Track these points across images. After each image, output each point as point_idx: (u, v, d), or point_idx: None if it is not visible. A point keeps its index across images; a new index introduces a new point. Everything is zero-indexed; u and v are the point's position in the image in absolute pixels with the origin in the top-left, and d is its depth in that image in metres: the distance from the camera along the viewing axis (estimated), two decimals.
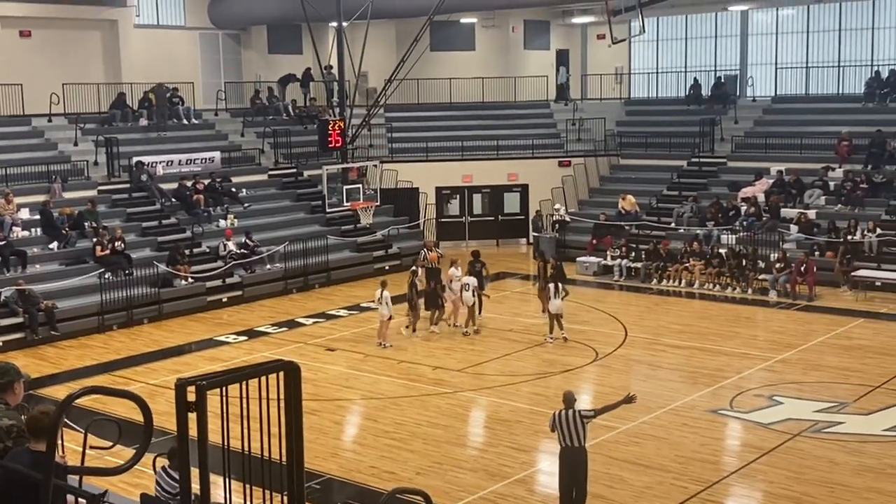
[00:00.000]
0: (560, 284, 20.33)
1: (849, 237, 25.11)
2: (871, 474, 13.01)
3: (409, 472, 13.42)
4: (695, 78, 34.91)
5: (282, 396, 4.44)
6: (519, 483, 13.03)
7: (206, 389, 4.04)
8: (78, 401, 4.45)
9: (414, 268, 22.51)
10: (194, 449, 4.23)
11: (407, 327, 21.30)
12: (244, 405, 4.41)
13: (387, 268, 28.02)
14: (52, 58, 29.33)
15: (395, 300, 20.82)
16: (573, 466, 11.34)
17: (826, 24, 33.98)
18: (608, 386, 17.40)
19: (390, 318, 20.17)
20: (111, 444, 5.79)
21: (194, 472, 4.32)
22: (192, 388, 4.04)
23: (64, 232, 23.73)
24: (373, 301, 20.78)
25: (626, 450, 14.07)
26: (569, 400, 11.41)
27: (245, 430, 4.68)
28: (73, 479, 5.36)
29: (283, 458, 4.59)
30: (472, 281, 21.14)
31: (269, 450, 4.70)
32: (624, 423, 15.18)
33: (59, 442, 6.56)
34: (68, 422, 7.68)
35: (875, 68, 31.60)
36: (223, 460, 4.43)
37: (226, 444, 4.33)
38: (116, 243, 23.51)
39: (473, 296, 21.04)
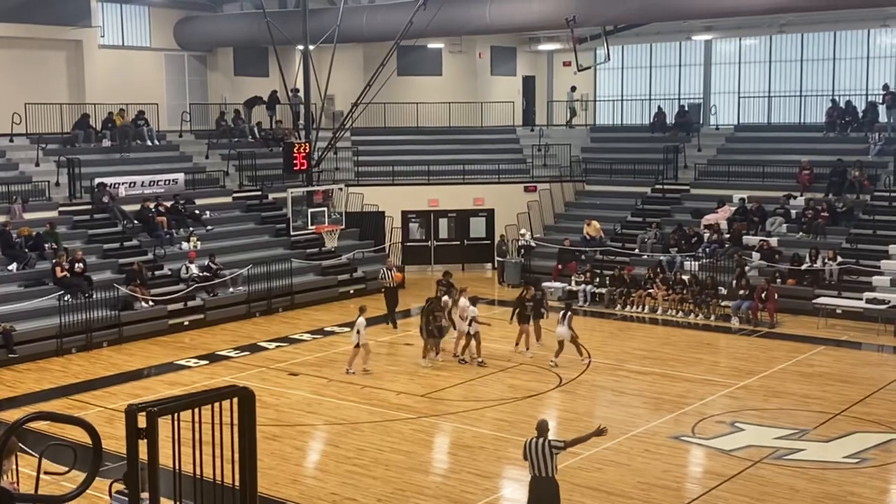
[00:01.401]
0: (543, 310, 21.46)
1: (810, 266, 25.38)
2: (831, 501, 13.05)
3: (370, 499, 13.28)
4: (659, 106, 35.25)
5: (236, 422, 4.36)
6: None
7: (157, 416, 3.95)
8: (33, 425, 4.34)
9: (437, 296, 21.77)
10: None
11: (434, 356, 20.70)
12: (196, 431, 4.33)
13: (351, 291, 27.92)
14: (15, 77, 29.04)
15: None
16: (540, 496, 11.14)
17: (788, 55, 34.50)
18: (572, 412, 17.39)
19: (357, 346, 19.65)
20: (66, 469, 5.66)
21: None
22: (142, 415, 3.95)
23: (25, 252, 23.41)
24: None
25: (589, 476, 14.03)
26: (541, 428, 11.25)
27: (198, 457, 4.59)
28: None
29: (237, 484, 4.50)
30: (474, 311, 20.46)
31: (223, 475, 4.62)
32: (586, 449, 15.12)
33: (13, 468, 6.43)
34: (24, 447, 7.53)
35: (832, 97, 32.06)
36: (174, 486, 4.34)
37: (177, 469, 4.25)
38: (76, 265, 23.19)
39: (470, 325, 20.41)
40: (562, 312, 20.44)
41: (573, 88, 36.66)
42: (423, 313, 20.76)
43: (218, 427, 4.47)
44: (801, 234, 27.34)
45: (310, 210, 27.71)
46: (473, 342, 20.48)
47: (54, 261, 23.21)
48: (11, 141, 27.79)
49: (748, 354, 21.42)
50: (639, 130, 35.38)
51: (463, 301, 20.71)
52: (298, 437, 16.21)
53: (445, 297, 21.53)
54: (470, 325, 20.34)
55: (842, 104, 31.47)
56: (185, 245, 26.64)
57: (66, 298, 22.19)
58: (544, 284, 27.87)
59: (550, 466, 11.03)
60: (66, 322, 21.88)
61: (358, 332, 19.53)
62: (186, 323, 24.27)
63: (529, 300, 21.19)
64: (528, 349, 21.07)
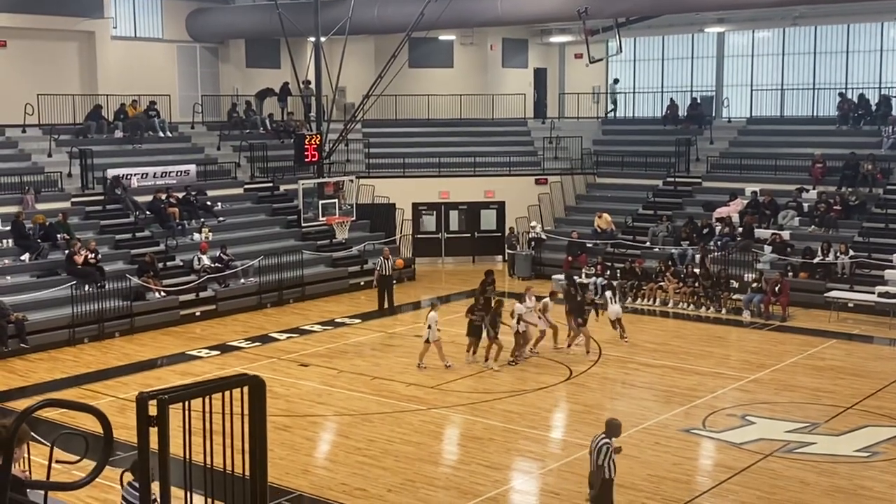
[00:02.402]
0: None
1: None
2: (841, 495, 13.03)
3: (380, 489, 13.31)
4: (671, 98, 35.13)
5: (246, 411, 4.37)
6: (491, 501, 12.95)
7: (167, 404, 3.96)
8: (45, 414, 4.37)
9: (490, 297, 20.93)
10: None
11: (510, 360, 19.73)
12: (207, 420, 4.35)
13: (362, 283, 27.94)
14: (27, 68, 29.12)
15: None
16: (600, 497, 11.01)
17: (801, 47, 34.33)
18: (582, 404, 17.38)
19: (428, 342, 19.14)
20: (78, 458, 5.69)
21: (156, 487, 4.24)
22: (153, 402, 3.96)
23: (37, 242, 23.52)
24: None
25: None
26: (611, 427, 11.17)
27: (209, 445, 4.61)
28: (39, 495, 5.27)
29: (248, 473, 4.52)
30: (521, 309, 19.64)
31: (233, 465, 4.63)
32: None
33: (25, 456, 6.46)
34: (35, 435, 7.57)
35: (840, 90, 31.89)
36: (184, 474, 4.36)
37: (187, 457, 4.27)
38: (90, 255, 23.28)
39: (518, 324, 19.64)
40: (608, 293, 21.51)
41: (616, 81, 36.49)
42: (485, 312, 19.51)
43: (228, 416, 4.48)
44: (813, 227, 27.24)
45: (321, 202, 27.69)
46: (522, 341, 19.91)
47: (68, 251, 23.30)
48: (24, 132, 27.88)
49: (759, 348, 21.36)
50: (651, 123, 35.28)
51: (529, 303, 20.05)
52: (309, 427, 16.25)
53: (521, 304, 20.01)
54: (518, 323, 19.69)
55: (854, 98, 31.32)
56: (196, 236, 26.71)
57: (84, 288, 22.25)
58: (554, 277, 27.92)
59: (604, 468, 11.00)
60: (79, 312, 21.97)
61: (429, 327, 19.10)
62: (198, 314, 24.34)
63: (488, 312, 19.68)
64: (568, 346, 20.79)
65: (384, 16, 30.86)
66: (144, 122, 29.94)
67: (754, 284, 24.46)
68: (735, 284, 25.08)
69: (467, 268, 31.97)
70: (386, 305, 25.47)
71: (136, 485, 8.89)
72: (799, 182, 29.07)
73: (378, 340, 22.05)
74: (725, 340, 22.61)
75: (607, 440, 11.02)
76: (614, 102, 36.69)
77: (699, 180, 31.29)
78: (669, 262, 26.39)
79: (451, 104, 34.73)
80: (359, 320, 24.27)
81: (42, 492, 5.35)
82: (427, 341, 19.25)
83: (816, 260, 25.42)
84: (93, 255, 23.33)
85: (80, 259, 23.03)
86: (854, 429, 15.75)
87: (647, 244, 28.64)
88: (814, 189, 28.60)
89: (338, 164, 31.91)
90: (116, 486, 8.95)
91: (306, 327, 23.50)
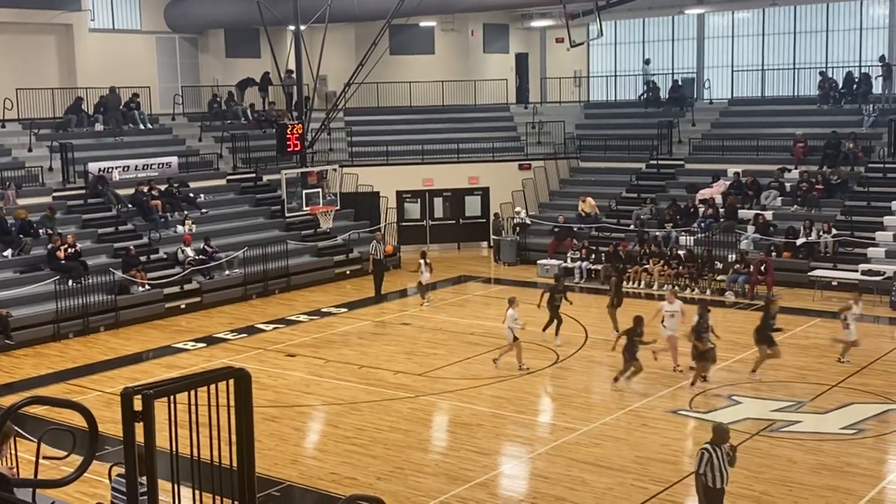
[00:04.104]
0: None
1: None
2: (828, 472, 13.14)
3: (370, 477, 13.34)
4: (652, 81, 35.13)
5: (232, 404, 4.37)
6: (480, 486, 12.99)
7: (152, 399, 3.95)
8: (33, 410, 4.35)
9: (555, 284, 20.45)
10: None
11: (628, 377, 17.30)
12: (193, 413, 4.34)
13: (347, 272, 27.92)
14: (5, 62, 28.88)
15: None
16: None
17: (781, 27, 34.38)
18: (569, 388, 17.44)
19: (516, 340, 18.19)
20: (65, 454, 5.67)
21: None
22: (138, 398, 3.95)
23: (19, 237, 23.37)
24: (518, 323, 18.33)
25: (587, 451, 14.10)
26: (723, 434, 10.59)
27: (195, 438, 4.60)
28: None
29: (235, 465, 4.52)
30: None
31: (220, 457, 4.63)
32: (584, 424, 15.23)
33: (10, 453, 6.44)
34: (22, 432, 7.54)
35: (821, 70, 31.96)
36: (171, 468, 4.35)
37: (174, 452, 4.26)
38: (69, 249, 23.13)
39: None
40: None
41: (647, 62, 35.96)
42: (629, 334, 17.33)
43: (215, 409, 4.48)
44: (795, 206, 27.35)
45: (304, 191, 27.62)
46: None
47: (50, 245, 23.17)
48: (3, 126, 27.66)
49: (744, 328, 21.35)
50: (632, 106, 35.29)
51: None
52: (297, 417, 16.26)
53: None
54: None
55: (836, 77, 31.40)
56: (180, 228, 26.61)
57: (67, 283, 22.14)
58: (539, 262, 27.99)
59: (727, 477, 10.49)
60: (63, 307, 21.88)
61: (509, 326, 18.12)
62: (183, 306, 24.26)
63: None
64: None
65: (364, 3, 30.75)
66: (125, 114, 29.68)
67: (736, 266, 24.55)
68: (719, 265, 25.17)
69: (453, 254, 32.00)
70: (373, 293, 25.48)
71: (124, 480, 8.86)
72: (781, 162, 29.17)
73: (366, 329, 22.00)
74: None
75: (706, 446, 10.48)
76: (647, 84, 35.16)
77: (682, 162, 31.37)
78: (653, 245, 26.46)
79: (433, 91, 34.66)
80: (345, 309, 24.26)
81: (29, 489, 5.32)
82: (515, 339, 18.17)
83: (800, 241, 25.52)
84: (71, 248, 23.18)
85: (61, 254, 22.91)
86: (839, 406, 15.87)
87: (631, 227, 28.69)
88: (796, 169, 28.70)
89: (320, 154, 31.82)
90: (105, 480, 8.91)
91: (292, 317, 23.47)
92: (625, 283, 25.58)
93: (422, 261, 24.22)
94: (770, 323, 17.44)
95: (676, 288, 24.24)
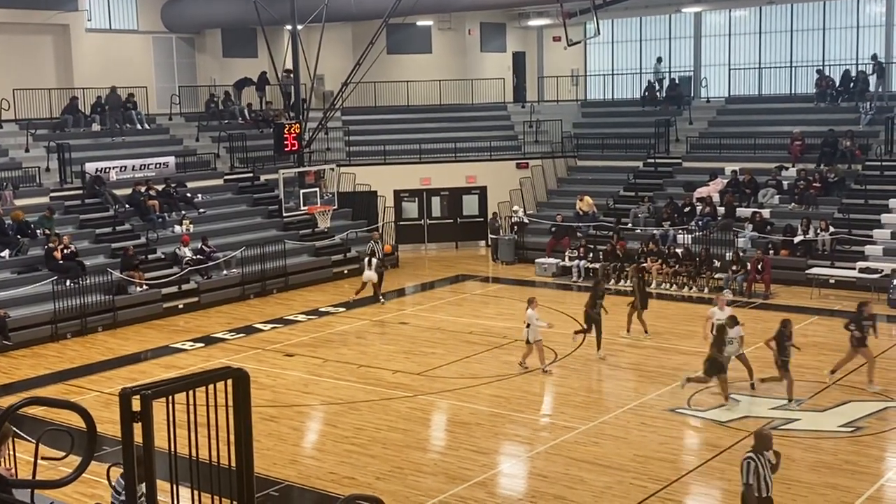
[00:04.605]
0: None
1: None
2: (826, 470, 13.14)
3: (368, 477, 13.33)
4: (649, 80, 35.14)
5: (230, 404, 4.36)
6: (479, 486, 12.99)
7: (151, 399, 3.95)
8: (31, 411, 4.34)
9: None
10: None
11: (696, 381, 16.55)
12: (191, 414, 4.33)
13: (345, 272, 27.91)
14: (1, 63, 28.85)
15: None
16: None
17: (778, 26, 34.39)
18: (568, 387, 17.44)
19: (538, 341, 17.92)
20: (63, 454, 5.67)
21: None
22: (136, 398, 3.95)
23: (17, 238, 23.34)
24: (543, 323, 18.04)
25: (586, 450, 14.10)
26: (766, 440, 10.06)
27: (194, 438, 4.60)
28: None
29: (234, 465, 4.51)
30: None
31: (219, 457, 4.62)
32: (583, 423, 15.24)
33: (9, 454, 6.43)
34: (20, 432, 7.53)
35: (818, 68, 31.94)
36: (170, 468, 4.35)
37: (173, 452, 4.25)
38: (65, 250, 23.11)
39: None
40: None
41: (659, 60, 35.72)
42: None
43: (213, 409, 4.47)
44: (793, 205, 27.37)
45: (302, 191, 27.62)
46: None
47: (48, 245, 23.15)
48: (0, 127, 27.63)
49: (742, 326, 21.40)
50: (630, 105, 35.30)
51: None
52: (295, 417, 16.25)
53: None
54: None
55: (832, 74, 31.41)
56: (177, 228, 26.60)
57: (64, 283, 22.11)
58: (537, 261, 27.99)
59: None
60: (61, 307, 21.86)
61: (527, 325, 17.75)
62: (181, 306, 24.24)
63: None
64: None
65: (361, 2, 30.73)
66: (122, 114, 29.67)
67: (734, 266, 24.56)
68: (717, 263, 25.19)
69: (451, 254, 32.01)
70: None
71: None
72: (778, 160, 29.19)
73: (364, 328, 21.99)
74: None
75: (750, 454, 9.94)
76: (657, 82, 35.00)
77: (679, 161, 31.38)
78: (651, 243, 26.47)
79: (431, 90, 34.65)
80: (343, 309, 24.25)
81: (28, 490, 5.32)
82: (528, 342, 17.94)
83: (797, 239, 25.54)
84: (67, 249, 23.15)
85: (59, 254, 22.89)
86: (837, 404, 15.88)
87: (629, 225, 28.69)
88: (793, 167, 28.72)
89: (318, 153, 31.83)
90: (103, 480, 8.90)
91: (290, 317, 23.45)
92: (622, 281, 25.59)
93: (370, 251, 24.23)
94: (786, 344, 16.37)
95: (728, 292, 21.63)
